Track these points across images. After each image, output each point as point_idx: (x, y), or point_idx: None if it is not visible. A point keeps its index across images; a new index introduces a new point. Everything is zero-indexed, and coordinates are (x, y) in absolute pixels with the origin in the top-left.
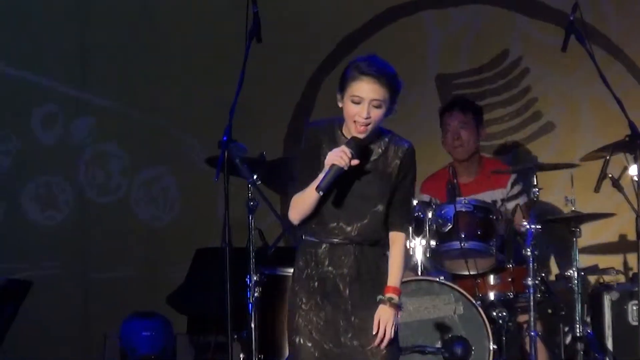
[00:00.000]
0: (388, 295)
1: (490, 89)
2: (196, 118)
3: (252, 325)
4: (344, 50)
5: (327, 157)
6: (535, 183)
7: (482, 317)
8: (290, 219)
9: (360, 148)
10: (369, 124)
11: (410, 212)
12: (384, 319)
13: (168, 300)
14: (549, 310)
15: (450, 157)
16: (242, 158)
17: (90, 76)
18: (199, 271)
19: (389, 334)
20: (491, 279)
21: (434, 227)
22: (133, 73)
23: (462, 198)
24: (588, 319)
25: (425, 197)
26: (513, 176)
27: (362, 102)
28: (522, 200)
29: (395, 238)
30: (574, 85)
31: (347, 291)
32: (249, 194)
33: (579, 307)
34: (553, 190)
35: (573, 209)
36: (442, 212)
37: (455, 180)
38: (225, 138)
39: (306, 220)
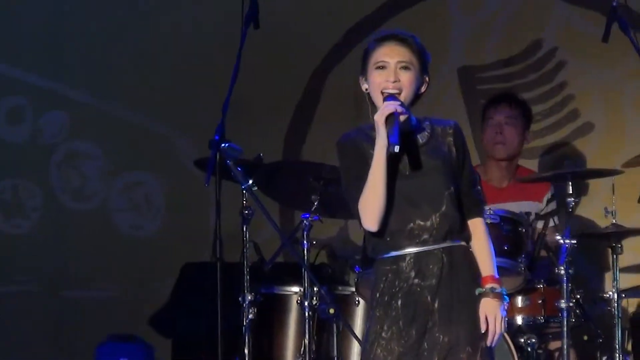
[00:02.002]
0: (489, 285)
1: (520, 84)
2: (184, 114)
3: (246, 351)
4: (353, 39)
5: (375, 118)
6: (570, 192)
7: (508, 344)
8: (368, 228)
9: (401, 103)
10: (400, 90)
11: (481, 193)
12: (491, 312)
13: (150, 322)
14: (585, 337)
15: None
16: (236, 160)
17: (63, 65)
18: (186, 289)
19: (500, 328)
20: (519, 300)
21: None
22: (112, 62)
23: (487, 208)
24: (629, 347)
25: None
26: (550, 192)
27: (387, 66)
28: (555, 221)
29: (475, 225)
30: (617, 80)
31: (436, 304)
32: (243, 201)
33: (619, 333)
34: (591, 201)
35: (614, 221)
36: None
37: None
38: (217, 137)
39: (379, 236)
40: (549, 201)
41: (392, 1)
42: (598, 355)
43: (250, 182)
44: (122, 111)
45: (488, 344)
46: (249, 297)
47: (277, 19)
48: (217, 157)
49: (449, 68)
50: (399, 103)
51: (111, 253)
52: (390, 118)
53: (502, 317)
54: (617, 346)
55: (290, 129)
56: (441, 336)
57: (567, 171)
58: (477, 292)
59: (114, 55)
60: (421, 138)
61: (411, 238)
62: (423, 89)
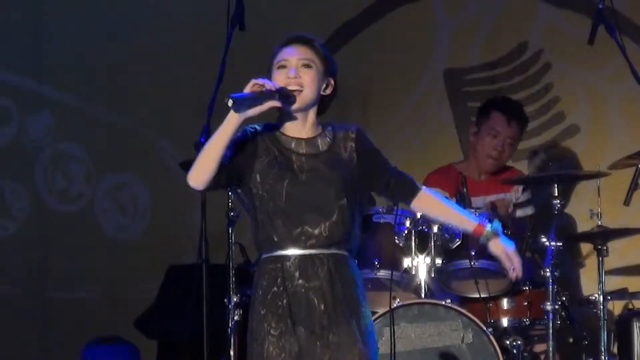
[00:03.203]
0: (485, 231)
1: (506, 86)
2: (169, 116)
3: (232, 353)
4: (340, 41)
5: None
6: (556, 194)
7: (493, 346)
8: (190, 182)
9: (287, 95)
10: (301, 86)
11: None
12: (508, 248)
13: (136, 324)
14: (570, 339)
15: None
16: None
17: (48, 67)
18: (172, 290)
19: (518, 258)
20: (505, 302)
21: (440, 243)
22: (98, 64)
23: (473, 210)
24: (615, 350)
25: None
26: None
27: (288, 65)
28: (529, 211)
29: (425, 196)
30: (602, 83)
31: (323, 306)
32: (228, 203)
33: (604, 335)
34: (577, 203)
35: (599, 223)
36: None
37: (465, 190)
38: (202, 139)
39: (266, 236)
40: (523, 190)
41: (377, 3)
42: (583, 357)
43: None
44: (107, 113)
45: (518, 275)
46: (235, 299)
47: (263, 21)
48: None
49: (435, 70)
50: (278, 87)
51: (97, 254)
52: (257, 90)
53: (514, 250)
54: (602, 348)
55: None
56: (330, 335)
57: (552, 173)
58: (481, 241)
59: (100, 58)
60: (322, 145)
61: (297, 242)
62: (328, 91)
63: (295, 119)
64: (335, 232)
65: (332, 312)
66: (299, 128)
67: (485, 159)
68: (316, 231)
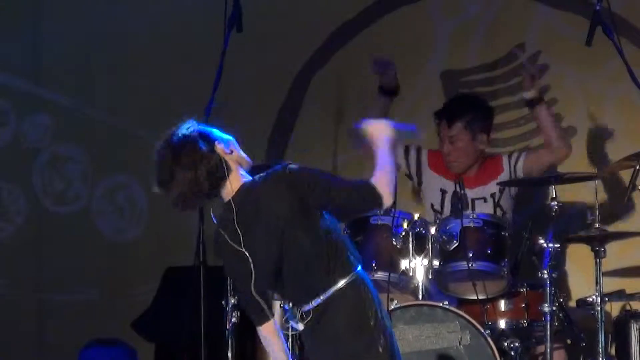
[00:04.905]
0: None
1: (503, 88)
2: (167, 117)
3: (229, 355)
4: (338, 43)
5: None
6: (554, 196)
7: (491, 348)
8: (389, 202)
9: None
10: None
11: None
12: None
13: (133, 326)
14: (568, 341)
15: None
16: None
17: (45, 69)
18: (169, 292)
19: None
20: (502, 304)
21: (438, 245)
22: (95, 66)
23: (470, 212)
24: (612, 351)
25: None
26: (505, 157)
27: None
28: (524, 156)
29: None
30: (600, 84)
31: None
32: None
33: (602, 337)
34: (574, 205)
35: (597, 225)
36: (447, 227)
37: (462, 192)
38: None
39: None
40: (509, 157)
41: (374, 6)
42: (581, 359)
43: None
44: (105, 114)
45: None
46: (232, 301)
47: (260, 23)
48: None
49: (432, 72)
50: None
51: (94, 256)
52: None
53: None
54: (600, 350)
55: (274, 132)
56: None
57: (550, 175)
58: None
59: (97, 59)
60: None
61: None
62: None
63: None
64: None
65: None
66: None
67: (447, 164)
68: None
